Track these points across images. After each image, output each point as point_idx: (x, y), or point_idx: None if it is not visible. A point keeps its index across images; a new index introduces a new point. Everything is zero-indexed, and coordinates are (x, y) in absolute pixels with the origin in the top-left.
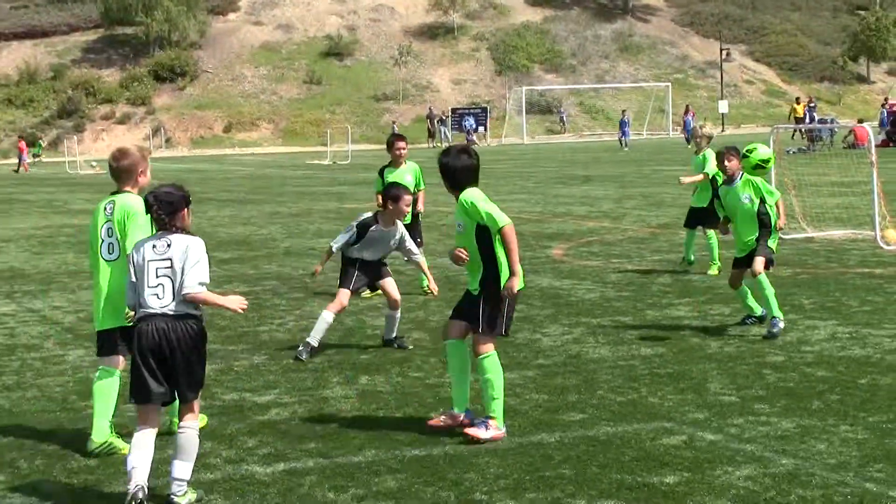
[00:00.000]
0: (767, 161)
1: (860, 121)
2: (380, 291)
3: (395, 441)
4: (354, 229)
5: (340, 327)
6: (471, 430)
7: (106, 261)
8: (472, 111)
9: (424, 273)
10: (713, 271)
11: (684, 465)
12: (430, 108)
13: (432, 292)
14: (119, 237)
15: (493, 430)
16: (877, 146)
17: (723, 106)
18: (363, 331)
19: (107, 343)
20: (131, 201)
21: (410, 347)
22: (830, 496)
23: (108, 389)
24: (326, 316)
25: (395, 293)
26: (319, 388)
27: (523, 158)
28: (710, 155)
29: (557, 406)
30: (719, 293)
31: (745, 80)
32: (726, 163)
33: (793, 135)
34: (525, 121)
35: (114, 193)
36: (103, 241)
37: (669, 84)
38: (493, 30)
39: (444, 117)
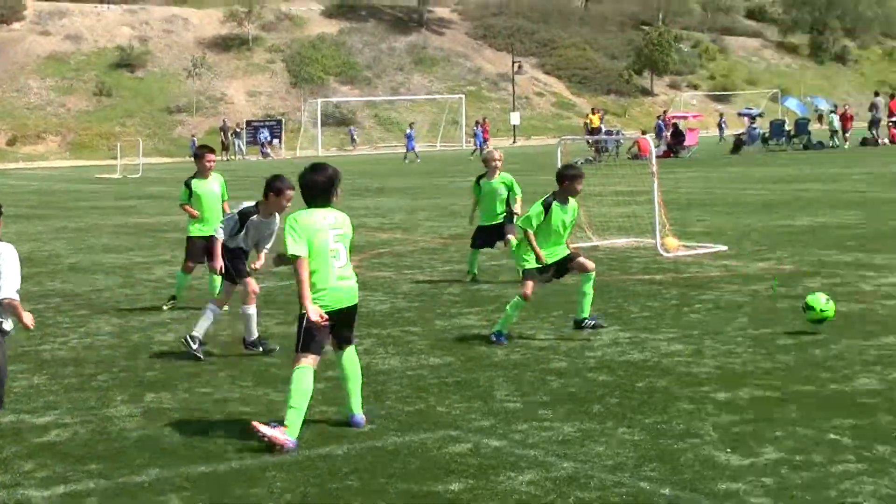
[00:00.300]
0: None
1: (643, 132)
2: (170, 306)
3: (181, 458)
4: (236, 216)
5: (128, 344)
6: (255, 423)
7: None
8: (267, 123)
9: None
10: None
11: (469, 473)
12: (223, 121)
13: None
14: None
15: (279, 433)
16: (658, 157)
17: (514, 118)
18: (150, 347)
19: None
20: None
21: (276, 349)
22: (607, 497)
23: None
24: (248, 310)
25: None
26: (103, 408)
27: None
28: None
29: (346, 418)
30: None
31: (536, 92)
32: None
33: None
34: (320, 133)
35: None
36: None
37: (463, 96)
38: (288, 41)
39: (238, 130)
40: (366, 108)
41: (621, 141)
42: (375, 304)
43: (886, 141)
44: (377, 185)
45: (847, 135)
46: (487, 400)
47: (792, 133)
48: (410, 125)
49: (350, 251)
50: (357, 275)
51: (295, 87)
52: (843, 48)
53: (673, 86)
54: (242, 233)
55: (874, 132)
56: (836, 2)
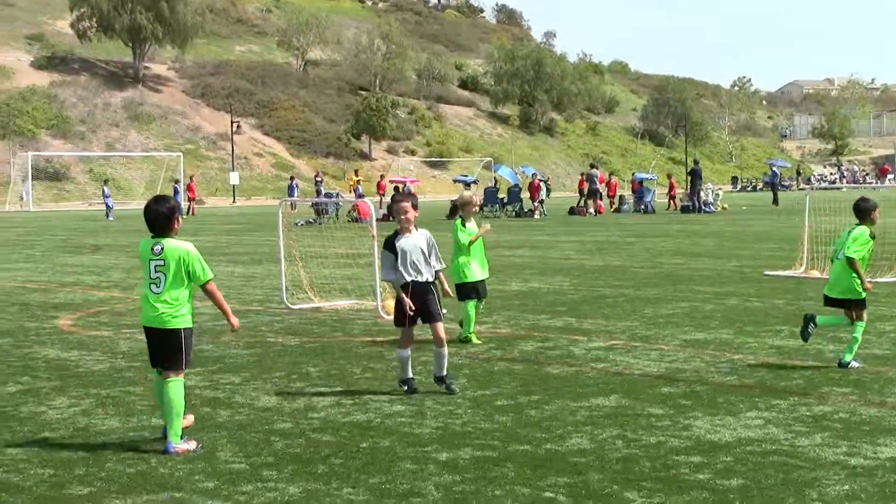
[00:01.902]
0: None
1: (360, 196)
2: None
3: None
4: (384, 249)
5: None
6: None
7: None
8: None
9: None
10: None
11: None
12: None
13: None
14: None
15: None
16: (378, 220)
17: (234, 177)
18: None
19: None
20: None
21: (457, 392)
22: None
23: None
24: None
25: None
26: None
27: (29, 226)
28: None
29: (64, 480)
30: (229, 362)
31: (256, 152)
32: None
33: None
34: (31, 188)
35: None
36: None
37: (181, 154)
38: None
39: None
40: (80, 163)
41: (340, 204)
42: (93, 363)
43: (592, 211)
44: (93, 241)
45: (536, 204)
46: (211, 461)
47: (505, 200)
48: (105, 182)
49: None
50: (74, 333)
51: (3, 139)
52: (551, 121)
53: (391, 150)
54: (398, 260)
55: (589, 202)
56: (543, 77)
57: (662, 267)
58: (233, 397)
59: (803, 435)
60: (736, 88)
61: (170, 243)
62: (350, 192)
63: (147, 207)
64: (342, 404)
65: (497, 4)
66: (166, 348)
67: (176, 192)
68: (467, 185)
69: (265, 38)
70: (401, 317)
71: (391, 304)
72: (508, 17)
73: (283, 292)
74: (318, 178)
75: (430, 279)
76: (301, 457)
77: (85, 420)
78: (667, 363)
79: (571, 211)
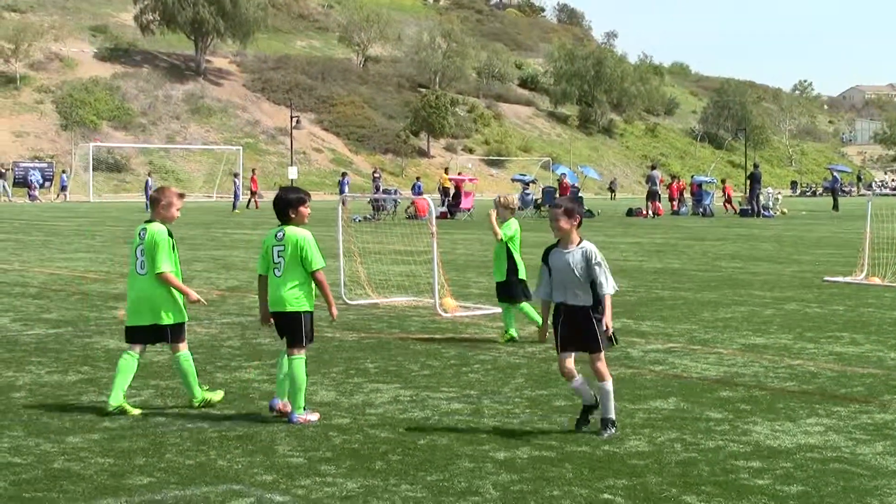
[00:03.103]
0: None
1: (420, 193)
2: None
3: None
4: (541, 262)
5: None
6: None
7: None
8: (37, 165)
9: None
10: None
11: None
12: None
13: None
14: None
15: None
16: (436, 218)
17: (292, 172)
18: None
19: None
20: None
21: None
22: None
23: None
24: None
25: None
26: None
27: (90, 216)
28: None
29: (123, 470)
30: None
31: (314, 147)
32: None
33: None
34: (92, 178)
35: None
36: None
37: (241, 148)
38: (58, 82)
39: (3, 170)
40: (140, 155)
41: (398, 200)
42: (153, 354)
43: (651, 213)
44: None
45: None
46: (269, 454)
47: None
48: (149, 174)
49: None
50: None
51: (66, 129)
52: (610, 121)
53: (449, 148)
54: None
55: (649, 204)
56: (604, 77)
57: (721, 270)
58: None
59: (864, 443)
60: (797, 92)
61: (290, 230)
62: (437, 190)
63: (276, 196)
64: (400, 401)
65: (558, 4)
66: (289, 329)
67: (236, 186)
68: (526, 184)
69: (326, 34)
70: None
71: (449, 301)
72: (570, 16)
73: (342, 288)
74: (376, 175)
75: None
76: (359, 452)
77: (145, 410)
78: (725, 367)
79: (629, 212)
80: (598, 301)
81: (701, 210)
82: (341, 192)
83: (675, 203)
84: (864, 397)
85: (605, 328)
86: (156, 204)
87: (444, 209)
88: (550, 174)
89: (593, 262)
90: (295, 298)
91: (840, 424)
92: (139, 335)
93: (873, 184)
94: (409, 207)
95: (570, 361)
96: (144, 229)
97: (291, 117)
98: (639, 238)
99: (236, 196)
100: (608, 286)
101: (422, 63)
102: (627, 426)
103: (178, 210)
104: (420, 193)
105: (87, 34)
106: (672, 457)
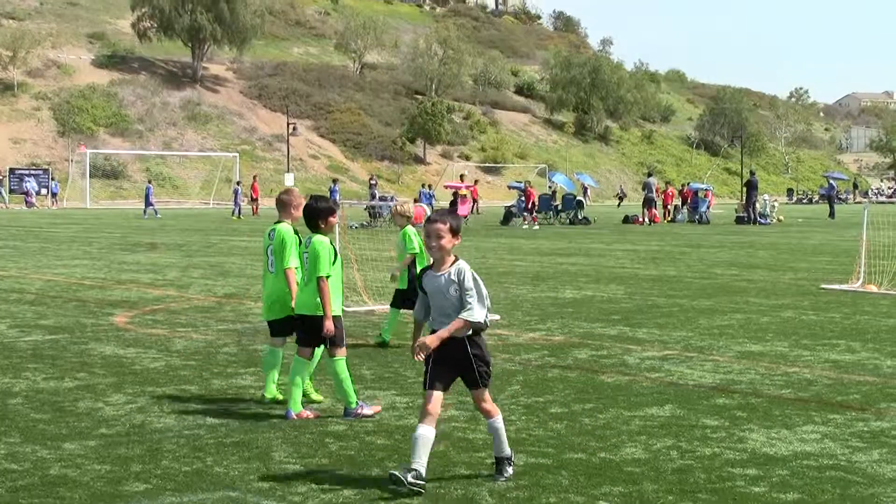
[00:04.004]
0: None
1: (415, 200)
2: None
3: None
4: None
5: None
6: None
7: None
8: (32, 172)
9: None
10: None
11: None
12: None
13: None
14: None
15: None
16: None
17: (289, 179)
18: None
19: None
20: None
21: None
22: None
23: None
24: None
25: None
26: None
27: (87, 223)
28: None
29: (120, 477)
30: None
31: (311, 154)
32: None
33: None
34: (89, 185)
35: None
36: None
37: (237, 154)
38: (56, 89)
39: (1, 177)
40: (137, 162)
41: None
42: (149, 361)
43: (647, 220)
44: (149, 239)
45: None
46: (266, 461)
47: (559, 207)
48: (149, 181)
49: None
50: (129, 330)
51: (63, 136)
52: (606, 128)
53: (445, 155)
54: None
55: (645, 211)
56: (600, 84)
57: (717, 278)
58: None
59: (860, 450)
60: (793, 100)
61: (315, 237)
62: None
63: (306, 205)
64: (396, 407)
65: (554, 11)
66: (317, 332)
67: (236, 193)
68: (522, 191)
69: (323, 41)
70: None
71: None
72: (566, 24)
73: None
74: (373, 182)
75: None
76: (355, 459)
77: (141, 417)
78: (721, 374)
79: (626, 219)
80: (477, 331)
81: (697, 217)
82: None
83: (669, 211)
84: (860, 405)
85: (424, 342)
86: (286, 205)
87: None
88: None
89: (465, 284)
90: (319, 303)
91: (836, 432)
92: (277, 328)
93: (869, 191)
94: None
95: (436, 400)
96: (273, 230)
97: (288, 124)
98: (635, 245)
99: (236, 203)
100: (475, 312)
101: (418, 70)
102: (623, 433)
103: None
104: (431, 203)
105: (85, 41)
106: (668, 464)
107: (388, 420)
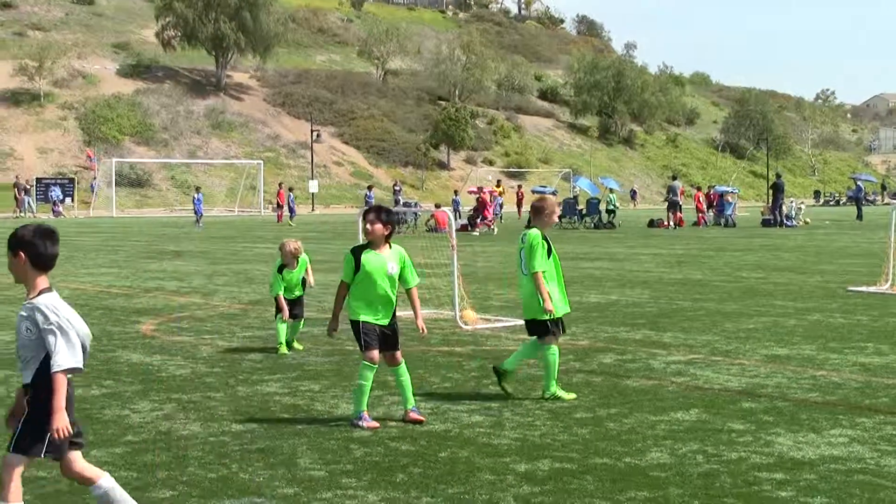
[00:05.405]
0: None
1: (437, 206)
2: None
3: None
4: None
5: None
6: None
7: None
8: (58, 181)
9: None
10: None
11: None
12: (16, 177)
13: None
14: None
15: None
16: (456, 230)
17: (313, 186)
18: None
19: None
20: None
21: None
22: None
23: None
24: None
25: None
26: None
27: (113, 231)
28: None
29: (146, 483)
30: (308, 370)
31: (335, 161)
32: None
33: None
34: (115, 193)
35: None
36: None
37: (262, 162)
38: (81, 99)
39: (28, 186)
40: (162, 170)
41: (419, 213)
42: (175, 368)
43: (672, 224)
44: (174, 248)
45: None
46: (291, 467)
47: (584, 212)
48: (197, 189)
49: None
50: (155, 338)
51: (88, 145)
52: (631, 132)
53: (469, 160)
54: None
55: (670, 214)
56: (623, 88)
57: (743, 281)
58: (312, 405)
59: (889, 454)
60: (819, 101)
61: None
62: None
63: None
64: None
65: (578, 16)
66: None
67: (290, 199)
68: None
69: (346, 48)
70: None
71: (470, 314)
72: (589, 28)
73: None
74: (397, 188)
75: None
76: (380, 465)
77: (167, 424)
78: (748, 378)
79: (651, 223)
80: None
81: (723, 220)
82: (367, 205)
83: (702, 215)
84: (889, 408)
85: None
86: (540, 212)
87: (465, 222)
88: (570, 185)
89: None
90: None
91: (865, 436)
92: (532, 329)
93: None
94: (429, 220)
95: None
96: (525, 234)
97: (312, 131)
98: (660, 249)
99: (291, 210)
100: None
101: (441, 76)
102: (649, 438)
103: (557, 217)
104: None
105: (110, 51)
106: (694, 469)
107: (413, 426)
